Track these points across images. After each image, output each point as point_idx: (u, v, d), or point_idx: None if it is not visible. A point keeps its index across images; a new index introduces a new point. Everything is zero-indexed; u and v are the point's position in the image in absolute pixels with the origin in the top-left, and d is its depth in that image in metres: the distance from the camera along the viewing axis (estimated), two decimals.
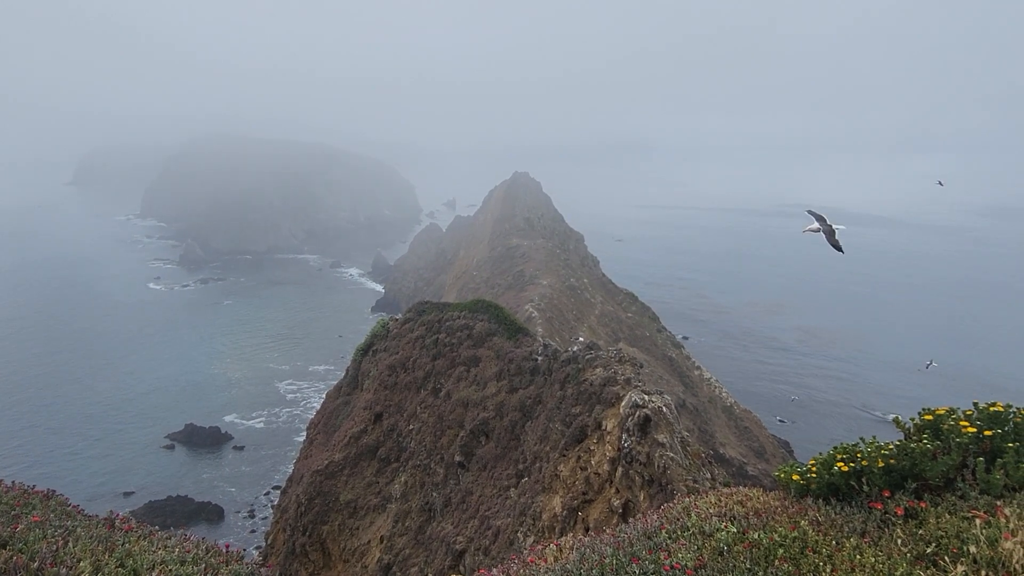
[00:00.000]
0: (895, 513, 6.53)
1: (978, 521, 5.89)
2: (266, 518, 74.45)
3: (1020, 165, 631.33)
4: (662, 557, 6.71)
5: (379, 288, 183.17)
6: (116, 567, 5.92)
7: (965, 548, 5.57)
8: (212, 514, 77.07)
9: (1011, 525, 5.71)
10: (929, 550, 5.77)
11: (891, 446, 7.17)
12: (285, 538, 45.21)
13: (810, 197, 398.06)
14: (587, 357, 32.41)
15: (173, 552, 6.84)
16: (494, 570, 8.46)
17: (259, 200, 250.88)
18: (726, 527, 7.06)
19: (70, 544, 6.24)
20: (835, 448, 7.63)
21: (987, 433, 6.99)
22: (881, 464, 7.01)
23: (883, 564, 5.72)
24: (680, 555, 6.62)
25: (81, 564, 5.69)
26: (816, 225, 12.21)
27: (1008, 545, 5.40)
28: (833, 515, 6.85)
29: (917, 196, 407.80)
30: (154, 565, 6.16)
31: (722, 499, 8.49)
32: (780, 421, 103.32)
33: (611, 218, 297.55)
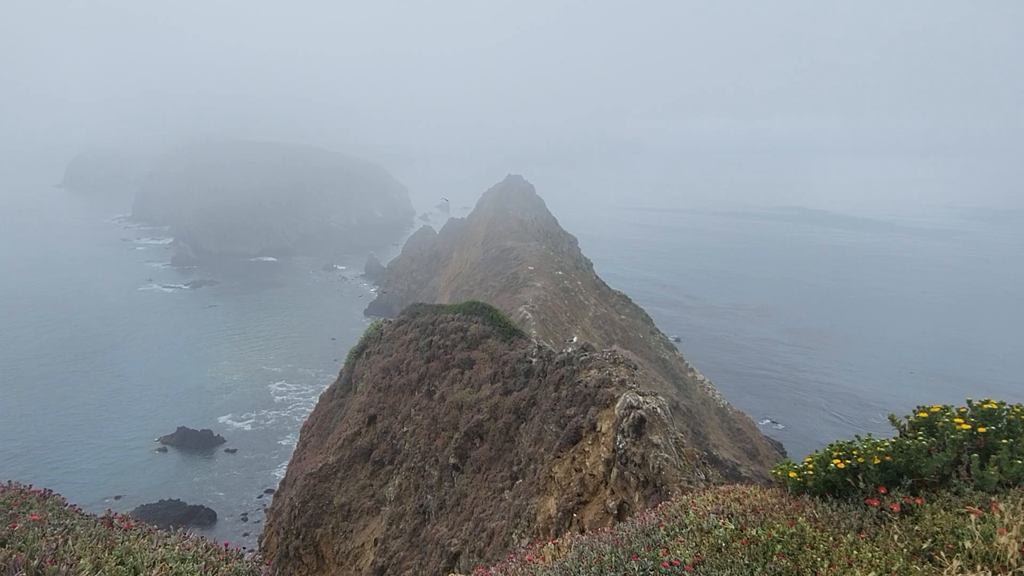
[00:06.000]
0: (891, 509, 6.61)
1: (973, 516, 5.96)
2: (259, 521, 74.10)
3: (1009, 169, 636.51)
4: (661, 554, 6.75)
5: (372, 290, 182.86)
6: (116, 564, 5.91)
7: (960, 543, 5.64)
8: (204, 518, 76.61)
9: (1006, 520, 5.79)
10: (925, 545, 5.84)
11: (887, 443, 7.25)
12: (278, 541, 45.06)
13: (802, 200, 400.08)
14: (581, 359, 32.46)
15: (173, 550, 6.83)
16: (492, 569, 8.47)
17: (251, 202, 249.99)
18: (724, 524, 7.12)
19: (69, 542, 6.23)
20: (831, 445, 7.71)
21: (981, 430, 7.09)
22: (877, 461, 7.09)
23: (880, 559, 5.78)
24: (679, 552, 6.67)
25: (81, 562, 5.68)
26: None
27: (1003, 540, 5.47)
28: (830, 512, 6.92)
29: (906, 199, 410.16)
30: (154, 563, 6.16)
31: (720, 496, 8.55)
32: (773, 423, 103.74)
33: (604, 221, 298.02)
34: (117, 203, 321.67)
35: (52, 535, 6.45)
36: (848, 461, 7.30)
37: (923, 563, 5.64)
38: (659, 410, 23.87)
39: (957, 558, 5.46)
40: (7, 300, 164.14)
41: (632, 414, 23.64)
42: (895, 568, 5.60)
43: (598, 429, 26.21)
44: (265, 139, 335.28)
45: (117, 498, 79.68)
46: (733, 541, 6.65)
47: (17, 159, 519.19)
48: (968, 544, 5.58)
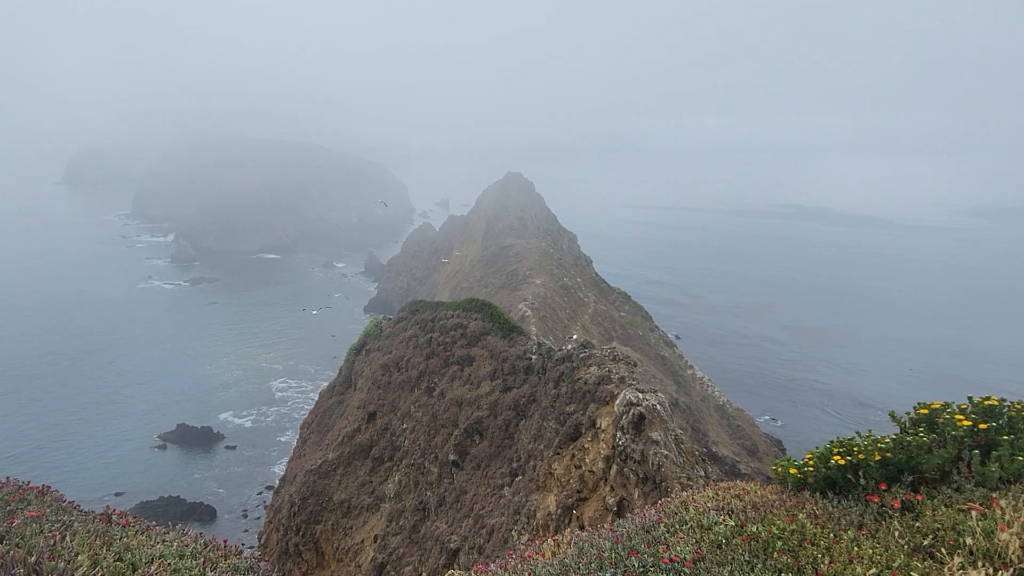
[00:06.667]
0: (892, 506, 6.59)
1: (974, 513, 5.93)
2: (259, 518, 74.21)
3: (1010, 167, 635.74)
4: (661, 550, 6.72)
5: (372, 287, 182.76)
6: (114, 561, 5.89)
7: (961, 540, 5.62)
8: (204, 514, 76.77)
9: (1007, 517, 5.76)
10: (926, 542, 5.82)
11: (887, 440, 7.23)
12: (278, 538, 45.09)
13: (803, 198, 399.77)
14: (581, 356, 32.42)
15: (171, 546, 6.82)
16: (492, 565, 8.45)
17: (250, 200, 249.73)
18: (724, 520, 7.09)
19: (67, 538, 6.20)
20: (832, 442, 7.69)
21: (982, 426, 7.07)
22: (877, 457, 7.07)
23: (880, 556, 5.76)
24: (679, 548, 6.64)
25: (79, 558, 5.66)
26: None
27: (1004, 536, 5.44)
28: (830, 508, 6.89)
29: (908, 197, 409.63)
30: (152, 559, 6.14)
31: (720, 493, 8.53)
32: (772, 420, 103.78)
33: (603, 218, 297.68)
34: (117, 200, 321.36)
35: (50, 531, 6.43)
36: (849, 457, 7.27)
37: (924, 560, 5.62)
38: (659, 407, 23.86)
39: (958, 555, 5.44)
40: (6, 298, 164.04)
41: (632, 411, 23.63)
42: (896, 564, 5.58)
43: (598, 426, 26.19)
44: (265, 137, 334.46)
45: (117, 495, 79.80)
46: (733, 538, 6.63)
47: (17, 157, 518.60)
48: (969, 541, 5.55)
